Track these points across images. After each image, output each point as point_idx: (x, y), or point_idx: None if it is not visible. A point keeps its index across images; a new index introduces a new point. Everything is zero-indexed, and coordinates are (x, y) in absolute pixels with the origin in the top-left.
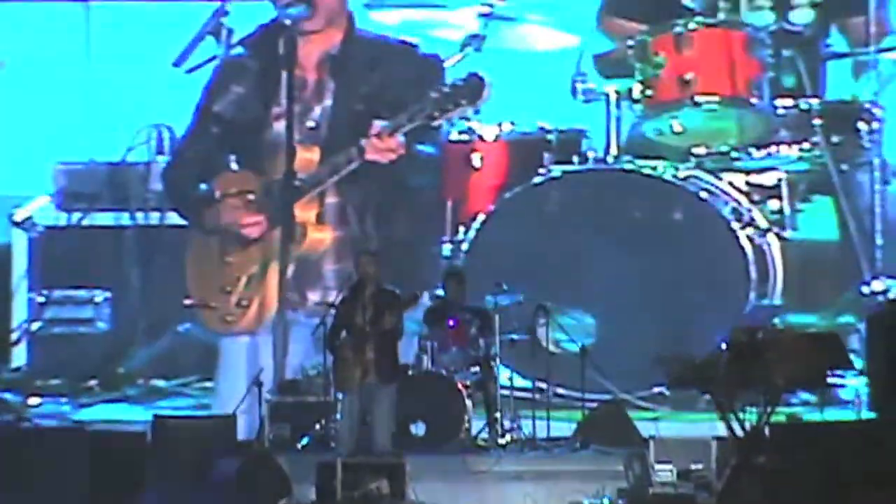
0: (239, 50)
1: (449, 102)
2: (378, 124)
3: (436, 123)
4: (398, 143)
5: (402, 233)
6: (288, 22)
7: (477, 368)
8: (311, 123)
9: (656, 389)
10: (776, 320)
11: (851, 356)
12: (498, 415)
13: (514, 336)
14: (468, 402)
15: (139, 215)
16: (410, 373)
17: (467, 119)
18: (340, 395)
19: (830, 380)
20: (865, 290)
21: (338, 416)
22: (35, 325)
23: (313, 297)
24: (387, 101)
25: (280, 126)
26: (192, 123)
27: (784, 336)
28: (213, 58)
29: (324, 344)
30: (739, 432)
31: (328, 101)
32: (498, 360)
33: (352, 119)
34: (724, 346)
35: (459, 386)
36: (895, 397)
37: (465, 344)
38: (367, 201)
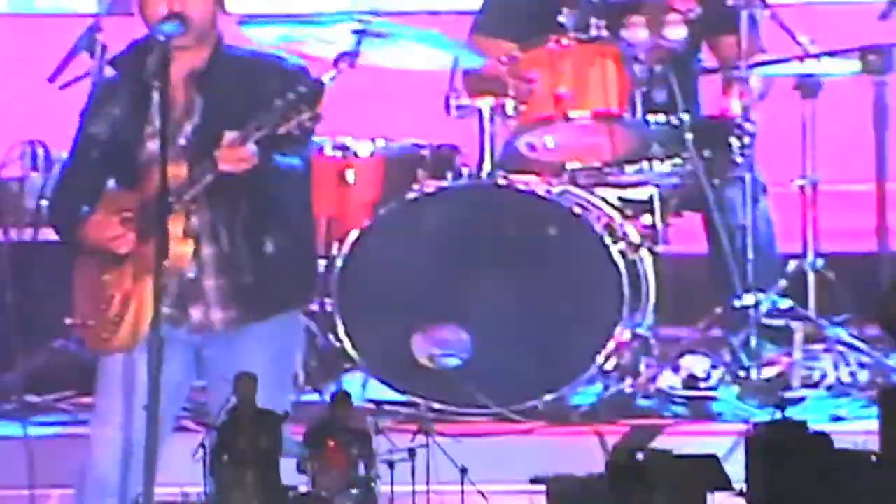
0: (111, 71)
1: (291, 110)
2: (229, 134)
3: (281, 131)
4: (249, 152)
5: (272, 248)
6: (161, 38)
7: (356, 490)
8: (182, 141)
9: (530, 403)
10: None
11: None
12: None
13: (394, 458)
14: None
15: (13, 231)
16: (291, 494)
17: (309, 124)
18: None
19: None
20: (737, 303)
21: None
22: None
23: (195, 313)
24: (254, 114)
25: (154, 145)
26: (72, 149)
27: (664, 457)
28: (88, 74)
29: (204, 468)
30: None
31: (197, 119)
32: (378, 482)
33: (220, 134)
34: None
35: None
36: None
37: (344, 465)
38: (235, 216)
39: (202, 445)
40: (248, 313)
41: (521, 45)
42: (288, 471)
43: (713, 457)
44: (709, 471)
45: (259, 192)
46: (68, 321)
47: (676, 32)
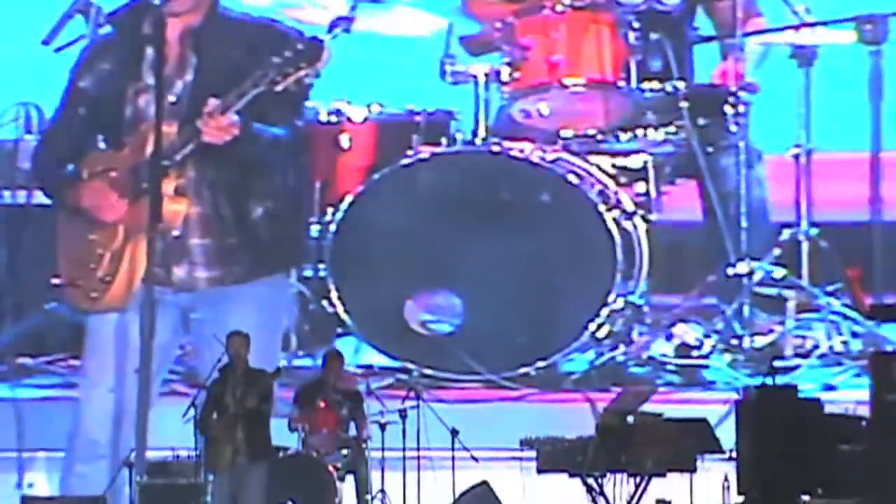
0: (107, 28)
1: (289, 66)
2: (211, 102)
3: (279, 88)
4: (231, 121)
5: (260, 212)
6: (157, 1)
7: (347, 451)
8: (172, 98)
9: (522, 370)
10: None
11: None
12: (369, 497)
13: (383, 420)
14: (339, 484)
15: (6, 193)
16: (281, 454)
17: (310, 83)
18: (211, 477)
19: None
20: (730, 271)
21: (208, 497)
22: None
23: (179, 272)
24: (247, 75)
25: (141, 102)
26: (61, 104)
27: (653, 420)
28: (82, 37)
29: (195, 425)
30: None
31: (189, 76)
32: (369, 443)
33: (213, 93)
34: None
35: (330, 468)
36: (762, 482)
37: (335, 426)
38: (219, 179)
39: (193, 405)
40: (232, 274)
41: (517, 10)
42: (280, 432)
43: (703, 420)
44: (699, 434)
45: (242, 158)
46: (55, 280)
47: None
